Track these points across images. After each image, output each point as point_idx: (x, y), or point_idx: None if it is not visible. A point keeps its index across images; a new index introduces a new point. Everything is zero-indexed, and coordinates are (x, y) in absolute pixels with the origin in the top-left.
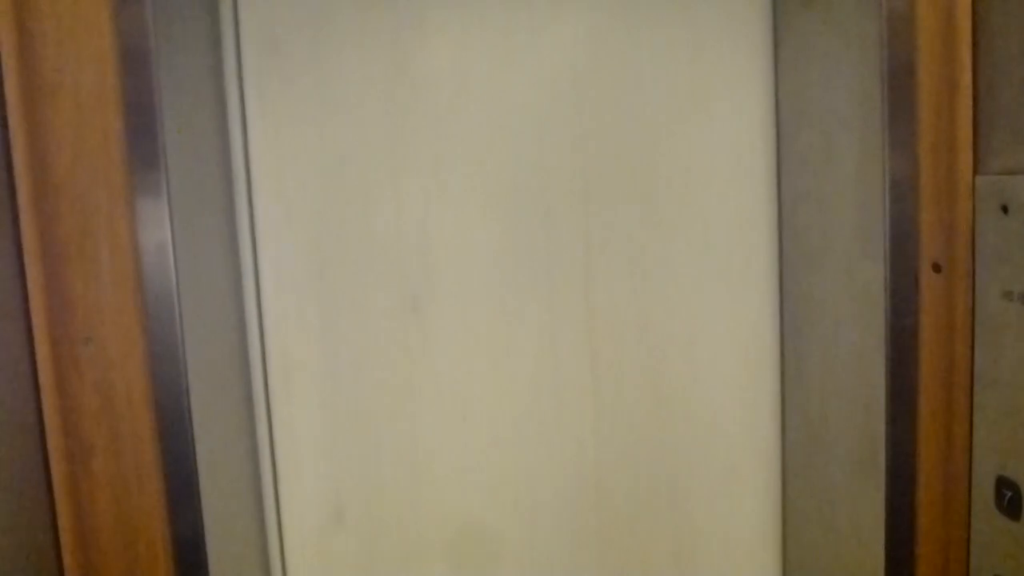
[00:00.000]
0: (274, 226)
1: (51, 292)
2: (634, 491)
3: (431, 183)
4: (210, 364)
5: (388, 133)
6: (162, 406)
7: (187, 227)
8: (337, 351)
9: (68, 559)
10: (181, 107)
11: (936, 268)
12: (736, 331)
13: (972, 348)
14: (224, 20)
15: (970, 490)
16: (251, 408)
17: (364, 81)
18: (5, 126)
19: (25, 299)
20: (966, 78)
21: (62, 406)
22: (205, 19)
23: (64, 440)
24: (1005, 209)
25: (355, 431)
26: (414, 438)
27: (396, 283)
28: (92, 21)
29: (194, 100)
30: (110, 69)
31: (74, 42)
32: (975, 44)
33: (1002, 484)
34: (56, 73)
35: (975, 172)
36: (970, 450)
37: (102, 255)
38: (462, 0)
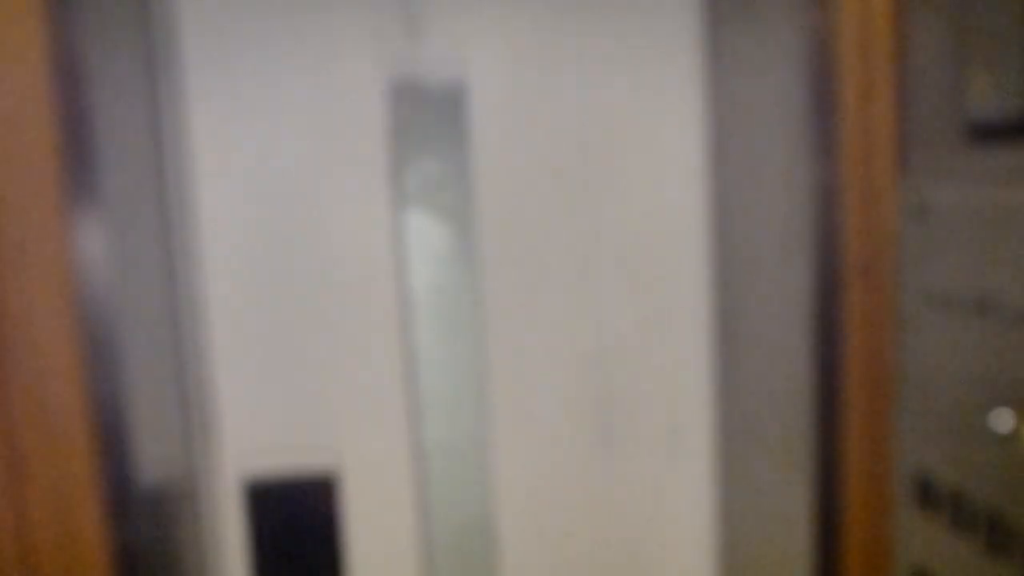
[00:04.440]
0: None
1: None
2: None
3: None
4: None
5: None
6: (98, 414)
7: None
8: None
9: (8, 569)
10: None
11: (860, 271)
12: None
13: (894, 348)
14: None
15: (892, 485)
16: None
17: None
18: None
19: None
20: (885, 88)
21: None
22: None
23: (1, 448)
24: (923, 213)
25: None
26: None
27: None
28: (24, 37)
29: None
30: (43, 84)
31: (5, 58)
32: (896, 57)
33: (922, 478)
34: None
35: (896, 178)
36: (893, 447)
37: (38, 267)
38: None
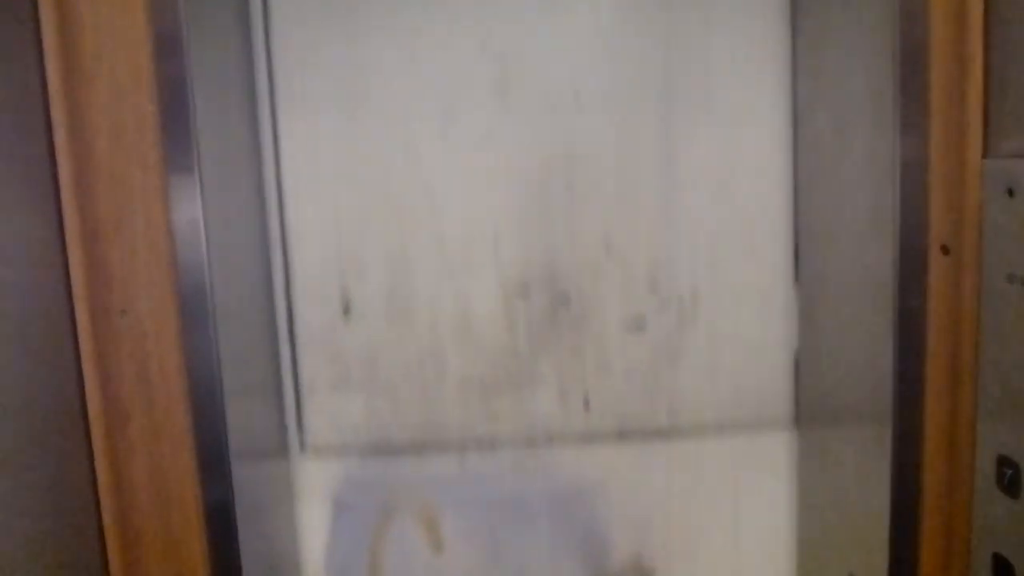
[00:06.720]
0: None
1: (90, 267)
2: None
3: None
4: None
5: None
6: (193, 375)
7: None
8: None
9: (107, 518)
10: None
11: (944, 250)
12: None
13: (977, 329)
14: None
15: (972, 468)
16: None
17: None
18: (47, 110)
19: (66, 273)
20: (976, 63)
21: (101, 374)
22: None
23: (103, 406)
24: (1011, 192)
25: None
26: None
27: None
28: (127, 8)
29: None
30: (144, 54)
31: (110, 29)
32: (986, 30)
33: (1002, 463)
34: (94, 59)
35: (983, 155)
36: (973, 429)
37: (137, 231)
38: None
